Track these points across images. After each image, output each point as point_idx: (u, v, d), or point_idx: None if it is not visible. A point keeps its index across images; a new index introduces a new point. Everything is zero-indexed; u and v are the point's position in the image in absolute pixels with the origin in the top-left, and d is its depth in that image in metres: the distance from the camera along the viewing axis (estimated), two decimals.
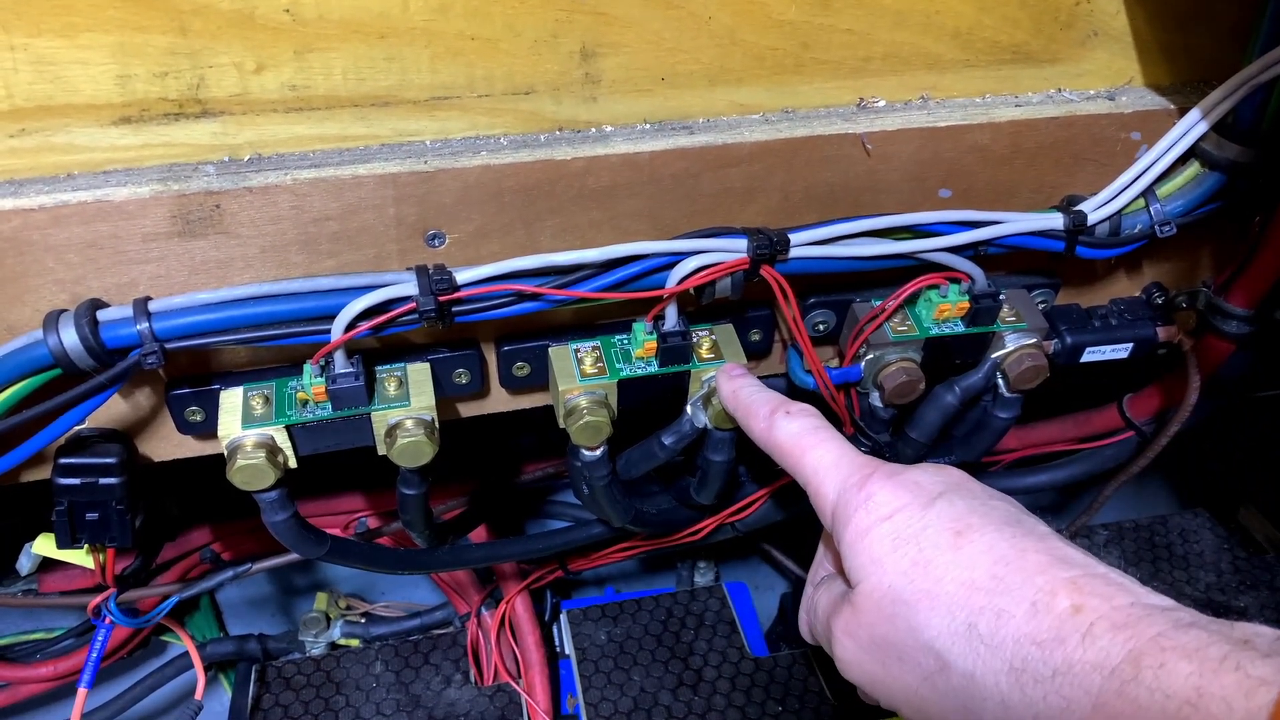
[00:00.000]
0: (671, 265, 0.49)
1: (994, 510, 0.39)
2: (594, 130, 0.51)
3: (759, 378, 0.63)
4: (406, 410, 0.51)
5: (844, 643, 0.40)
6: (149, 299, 0.45)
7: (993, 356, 0.59)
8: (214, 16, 0.43)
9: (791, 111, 0.53)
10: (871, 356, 0.57)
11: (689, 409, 0.57)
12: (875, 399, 0.58)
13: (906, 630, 0.37)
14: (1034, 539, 0.37)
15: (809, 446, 0.44)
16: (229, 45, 0.44)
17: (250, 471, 0.49)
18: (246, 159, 0.47)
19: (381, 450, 0.52)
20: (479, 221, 0.50)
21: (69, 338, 0.44)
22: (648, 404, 0.55)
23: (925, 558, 0.37)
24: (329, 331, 0.46)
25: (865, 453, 0.56)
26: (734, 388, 0.51)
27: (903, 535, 0.38)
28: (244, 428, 0.49)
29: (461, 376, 0.55)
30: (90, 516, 0.52)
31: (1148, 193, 0.55)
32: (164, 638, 0.88)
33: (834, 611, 0.41)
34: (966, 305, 0.56)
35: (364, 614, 0.88)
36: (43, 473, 0.53)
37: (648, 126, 0.51)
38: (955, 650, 0.35)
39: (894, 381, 0.56)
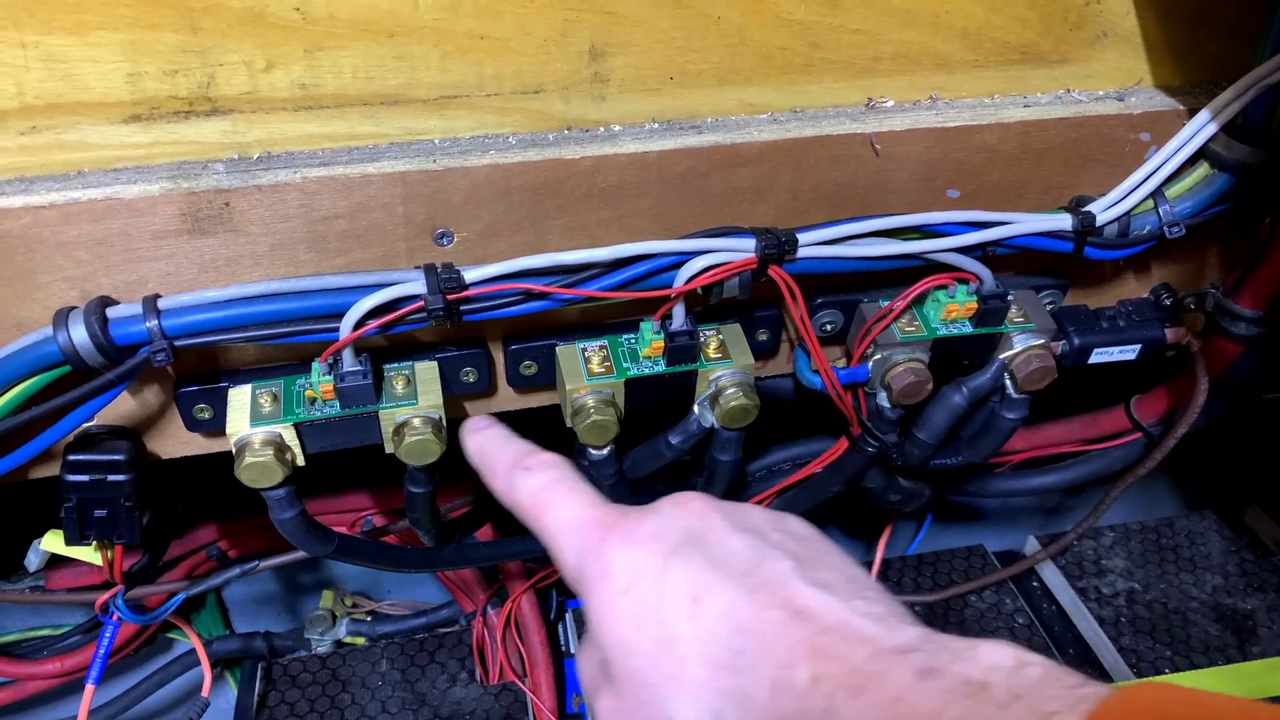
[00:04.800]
0: (679, 265, 0.49)
1: (732, 558, 0.36)
2: (602, 129, 0.51)
3: (766, 378, 0.63)
4: (414, 409, 0.51)
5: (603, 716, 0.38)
6: (158, 296, 0.45)
7: (1000, 357, 0.59)
8: (224, 14, 0.43)
9: (800, 111, 0.53)
10: (879, 357, 0.57)
11: (696, 408, 0.57)
12: (883, 399, 0.58)
13: (661, 718, 0.35)
14: (772, 590, 0.34)
15: (546, 505, 0.40)
16: (239, 43, 0.44)
17: (258, 469, 0.49)
18: (256, 157, 0.47)
19: (389, 448, 0.52)
20: (487, 220, 0.50)
21: (78, 335, 0.44)
22: (655, 403, 0.55)
23: (667, 635, 0.35)
24: (337, 330, 0.46)
25: (870, 450, 0.56)
26: (478, 442, 0.46)
27: (643, 612, 0.35)
28: (252, 425, 0.49)
29: (469, 375, 0.55)
30: (98, 513, 0.53)
31: (1157, 194, 0.55)
32: (170, 635, 0.88)
33: (595, 690, 0.38)
34: (974, 306, 0.56)
35: (370, 612, 0.88)
36: (51, 469, 0.53)
37: (656, 126, 0.51)
38: None
39: (902, 382, 0.56)
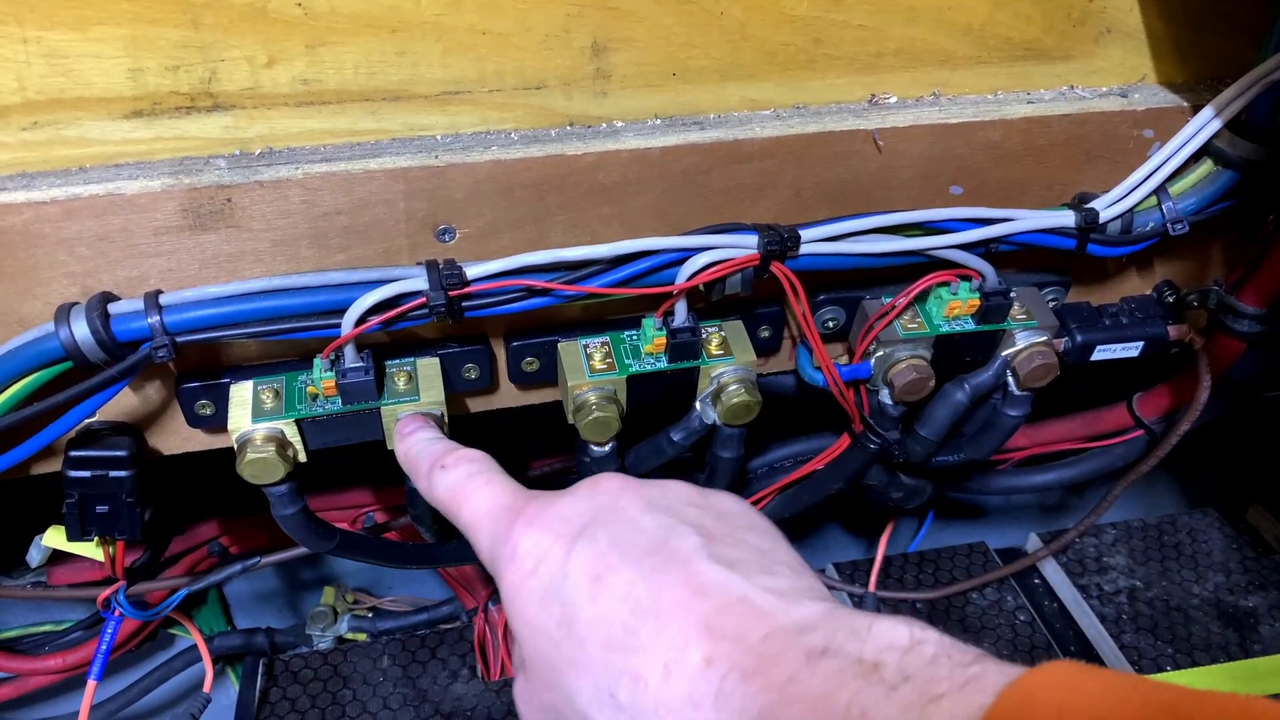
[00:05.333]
0: (681, 261, 0.49)
1: (638, 537, 0.36)
2: (605, 125, 0.51)
3: (768, 375, 0.63)
4: (416, 405, 0.51)
5: (522, 710, 0.38)
6: (160, 292, 0.45)
7: (1003, 354, 0.59)
8: (226, 10, 0.43)
9: (803, 107, 0.53)
10: (881, 354, 0.57)
11: (698, 405, 0.57)
12: (885, 396, 0.58)
13: (565, 700, 0.34)
14: (673, 569, 0.34)
15: (463, 499, 0.41)
16: (241, 39, 0.44)
17: (260, 465, 0.49)
18: (258, 153, 0.47)
19: (390, 445, 0.52)
20: (489, 216, 0.50)
21: (80, 330, 0.44)
22: (656, 400, 0.55)
23: (569, 615, 0.34)
24: (339, 326, 0.46)
25: (872, 447, 0.56)
26: (405, 448, 0.48)
27: (548, 592, 0.35)
28: (254, 421, 0.49)
29: (471, 372, 0.55)
30: (100, 509, 0.53)
31: (1160, 190, 0.55)
32: (172, 631, 0.88)
33: (515, 676, 0.39)
34: (977, 303, 0.56)
35: (371, 608, 0.88)
36: (53, 465, 0.53)
37: (658, 122, 0.51)
38: None
39: (904, 379, 0.56)
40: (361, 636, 0.85)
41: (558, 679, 0.35)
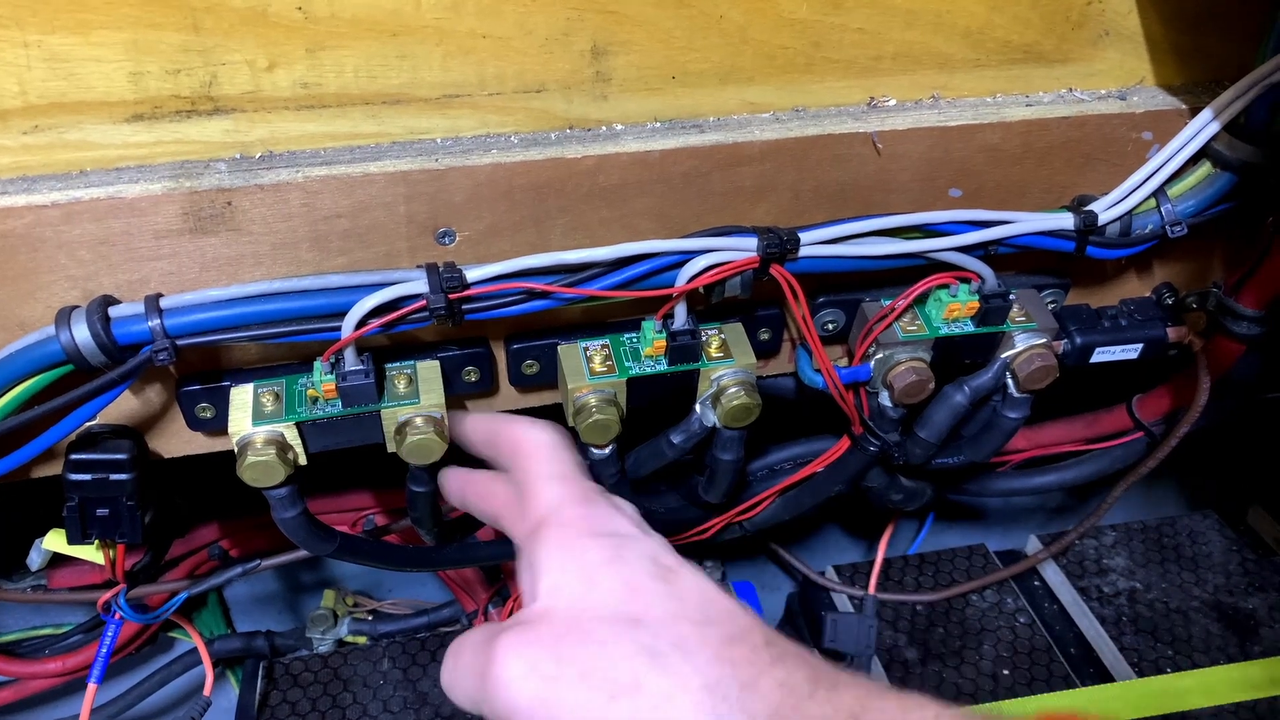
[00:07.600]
0: (681, 264, 0.49)
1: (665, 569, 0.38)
2: (604, 128, 0.51)
3: (768, 377, 0.63)
4: (416, 408, 0.51)
5: (514, 663, 0.35)
6: (160, 295, 0.45)
7: (1002, 356, 0.59)
8: (227, 14, 0.43)
9: (802, 110, 0.53)
10: (881, 356, 0.57)
11: (698, 408, 0.57)
12: (884, 398, 0.58)
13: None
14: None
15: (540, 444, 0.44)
16: (241, 42, 0.44)
17: (260, 468, 0.49)
18: (258, 156, 0.47)
19: (391, 448, 0.52)
20: (489, 219, 0.50)
21: (81, 334, 0.44)
22: (656, 402, 0.55)
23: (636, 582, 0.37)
24: (339, 329, 0.46)
25: (872, 449, 0.56)
26: (474, 421, 0.49)
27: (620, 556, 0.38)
28: (254, 424, 0.49)
29: (471, 374, 0.55)
30: (101, 512, 0.53)
31: (1159, 193, 0.55)
32: (172, 634, 0.88)
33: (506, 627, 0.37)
34: (976, 305, 0.56)
35: (371, 611, 0.88)
36: (54, 469, 0.53)
37: (658, 125, 0.51)
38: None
39: (903, 381, 0.56)
40: (361, 639, 0.85)
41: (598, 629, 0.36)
